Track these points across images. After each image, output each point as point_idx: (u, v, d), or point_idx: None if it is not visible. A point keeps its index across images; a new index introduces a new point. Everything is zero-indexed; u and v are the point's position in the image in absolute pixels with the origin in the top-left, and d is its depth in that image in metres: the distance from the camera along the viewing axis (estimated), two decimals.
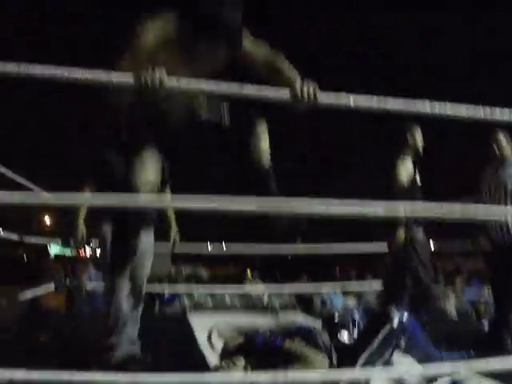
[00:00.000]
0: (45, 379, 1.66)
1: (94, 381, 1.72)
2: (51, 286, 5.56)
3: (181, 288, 10.00)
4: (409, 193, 3.90)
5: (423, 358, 3.07)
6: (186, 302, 10.40)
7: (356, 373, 2.35)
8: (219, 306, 10.47)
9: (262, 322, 5.11)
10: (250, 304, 10.62)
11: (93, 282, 7.60)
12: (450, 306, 9.47)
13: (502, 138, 3.88)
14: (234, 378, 1.96)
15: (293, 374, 1.64)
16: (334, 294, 10.63)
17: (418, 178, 4.28)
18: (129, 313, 3.26)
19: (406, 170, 4.06)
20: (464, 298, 10.25)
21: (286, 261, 22.81)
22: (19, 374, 1.68)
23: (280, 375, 1.58)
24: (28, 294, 5.81)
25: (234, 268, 29.25)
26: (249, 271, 13.89)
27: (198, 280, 14.63)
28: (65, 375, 1.70)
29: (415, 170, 4.19)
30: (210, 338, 4.31)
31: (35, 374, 1.68)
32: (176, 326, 5.69)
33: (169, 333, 4.82)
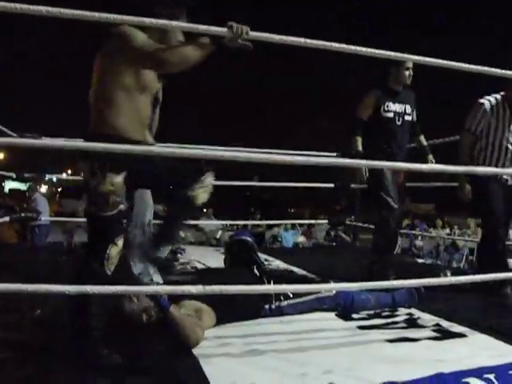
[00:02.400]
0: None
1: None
2: (6, 219, 5.59)
3: None
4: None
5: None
6: None
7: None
8: None
9: (213, 253, 5.33)
10: (204, 238, 10.90)
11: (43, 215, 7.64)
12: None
13: None
14: (168, 288, 2.14)
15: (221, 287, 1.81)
16: (286, 231, 11.09)
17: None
18: None
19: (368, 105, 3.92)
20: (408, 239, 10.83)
21: (242, 199, 23.16)
22: None
23: (209, 288, 1.76)
24: None
25: None
26: (204, 208, 14.06)
27: (153, 216, 14.73)
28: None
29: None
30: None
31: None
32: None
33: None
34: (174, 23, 2.18)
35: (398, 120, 3.91)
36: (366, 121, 3.90)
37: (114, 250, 2.09)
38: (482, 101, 3.67)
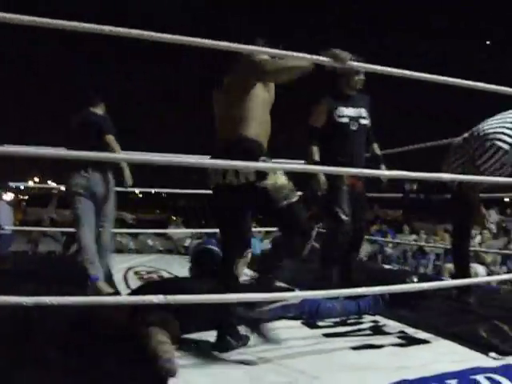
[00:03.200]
0: None
1: None
2: None
3: None
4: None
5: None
6: None
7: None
8: (141, 248, 10.62)
9: (181, 263, 5.28)
10: (173, 247, 10.82)
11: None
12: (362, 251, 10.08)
13: None
14: (130, 298, 2.11)
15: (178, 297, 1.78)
16: (253, 238, 11.04)
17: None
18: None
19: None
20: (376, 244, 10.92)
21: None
22: None
23: (173, 298, 1.74)
24: None
25: (160, 213, 29.40)
26: (174, 216, 13.96)
27: (121, 224, 14.59)
28: None
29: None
30: (125, 276, 4.43)
31: None
32: None
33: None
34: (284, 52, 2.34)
35: (353, 125, 3.78)
36: (320, 128, 3.79)
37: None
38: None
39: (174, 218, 11.94)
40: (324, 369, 2.12)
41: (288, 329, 2.75)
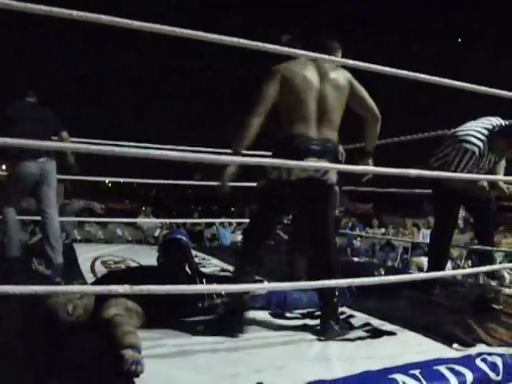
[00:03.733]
0: None
1: None
2: None
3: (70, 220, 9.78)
4: None
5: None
6: (76, 233, 10.35)
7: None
8: (110, 238, 10.53)
9: (150, 253, 5.24)
10: (142, 237, 10.76)
11: None
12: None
13: None
14: (95, 288, 2.08)
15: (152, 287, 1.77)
16: (224, 229, 11.09)
17: None
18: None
19: None
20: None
21: (182, 197, 22.97)
22: None
23: (137, 288, 1.72)
24: None
25: (130, 203, 29.13)
26: (143, 206, 13.86)
27: (90, 213, 14.45)
28: None
29: None
30: (93, 265, 4.37)
31: None
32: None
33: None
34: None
35: None
36: None
37: None
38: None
39: (144, 209, 11.85)
40: (290, 359, 2.13)
41: (255, 320, 2.76)
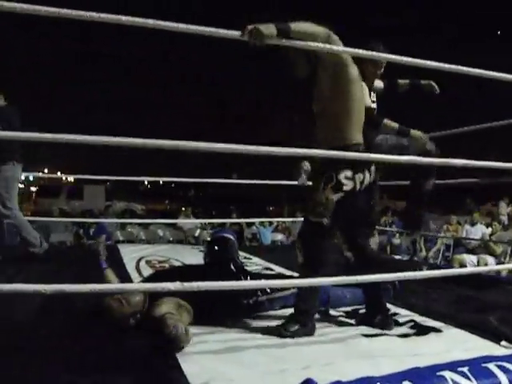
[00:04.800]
0: None
1: None
2: None
3: (113, 221, 10.02)
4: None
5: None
6: (118, 234, 10.58)
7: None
8: (151, 238, 10.73)
9: (193, 252, 5.32)
10: (183, 237, 10.91)
11: None
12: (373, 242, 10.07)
13: None
14: (147, 286, 2.14)
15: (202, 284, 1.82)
16: (264, 228, 11.13)
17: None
18: None
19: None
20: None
21: (221, 197, 23.14)
22: None
23: (189, 285, 1.77)
24: None
25: (170, 203, 29.52)
26: (183, 207, 14.05)
27: (131, 215, 14.75)
28: None
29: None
30: (138, 265, 4.47)
31: None
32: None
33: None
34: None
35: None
36: None
37: None
38: None
39: (184, 209, 12.00)
40: (336, 356, 2.15)
41: None
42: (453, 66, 2.56)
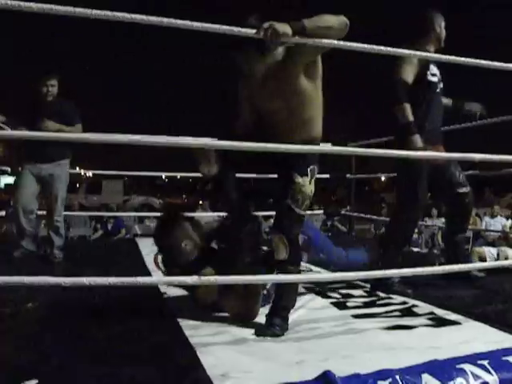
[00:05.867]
0: None
1: None
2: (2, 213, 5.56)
3: (131, 215, 10.11)
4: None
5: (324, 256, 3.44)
6: (136, 228, 10.66)
7: None
8: None
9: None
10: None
11: None
12: None
13: None
14: (166, 279, 2.17)
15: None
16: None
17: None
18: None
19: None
20: None
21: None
22: None
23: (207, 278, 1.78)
24: None
25: (187, 198, 29.62)
26: (200, 200, 14.08)
27: (150, 209, 14.84)
28: None
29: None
30: (156, 258, 4.49)
31: None
32: (124, 247, 5.87)
33: (117, 252, 5.02)
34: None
35: (439, 87, 3.29)
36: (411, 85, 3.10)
37: None
38: None
39: (201, 203, 12.02)
40: (355, 348, 2.14)
41: (317, 310, 2.79)
42: None
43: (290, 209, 2.49)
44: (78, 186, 20.30)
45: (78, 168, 7.27)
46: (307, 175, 2.52)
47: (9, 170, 5.42)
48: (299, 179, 2.49)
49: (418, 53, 2.78)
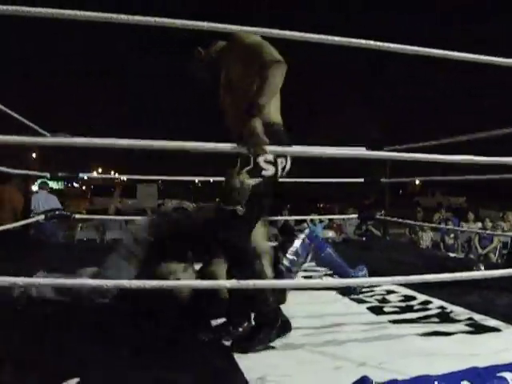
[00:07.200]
0: None
1: None
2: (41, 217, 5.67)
3: None
4: None
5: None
6: None
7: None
8: None
9: None
10: None
11: None
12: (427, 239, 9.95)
13: None
14: (205, 284, 2.19)
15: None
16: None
17: None
18: None
19: None
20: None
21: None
22: None
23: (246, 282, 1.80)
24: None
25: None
26: None
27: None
28: None
29: None
30: None
31: None
32: None
33: None
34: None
35: None
36: None
37: None
38: None
39: None
40: (391, 354, 2.13)
41: (354, 315, 2.79)
42: None
43: (217, 204, 2.52)
44: (113, 190, 20.63)
45: (112, 172, 7.39)
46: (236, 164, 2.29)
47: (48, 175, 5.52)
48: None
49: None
